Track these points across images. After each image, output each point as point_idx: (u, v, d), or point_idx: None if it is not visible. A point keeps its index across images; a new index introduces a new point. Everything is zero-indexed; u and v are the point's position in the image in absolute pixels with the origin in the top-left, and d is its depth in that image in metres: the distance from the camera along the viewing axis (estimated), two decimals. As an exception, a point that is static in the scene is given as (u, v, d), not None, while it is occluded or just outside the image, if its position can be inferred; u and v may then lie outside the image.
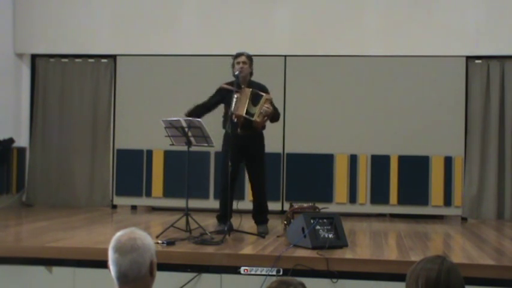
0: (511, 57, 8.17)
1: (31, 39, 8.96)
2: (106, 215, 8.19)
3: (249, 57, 6.19)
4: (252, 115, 5.93)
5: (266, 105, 5.95)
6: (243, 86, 6.06)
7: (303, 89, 8.42)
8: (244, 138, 5.96)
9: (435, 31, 8.21)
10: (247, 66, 6.13)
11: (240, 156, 6.01)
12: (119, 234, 2.36)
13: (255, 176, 6.30)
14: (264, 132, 6.30)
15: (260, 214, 6.36)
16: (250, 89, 5.99)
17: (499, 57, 8.18)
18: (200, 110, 6.23)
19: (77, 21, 8.84)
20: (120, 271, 2.30)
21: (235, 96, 5.89)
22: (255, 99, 5.97)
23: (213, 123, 6.29)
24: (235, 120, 5.87)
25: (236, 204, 6.01)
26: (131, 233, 2.36)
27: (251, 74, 6.23)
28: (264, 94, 5.99)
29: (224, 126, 6.10)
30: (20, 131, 9.02)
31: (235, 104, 5.86)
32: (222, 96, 6.18)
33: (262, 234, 6.03)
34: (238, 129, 5.91)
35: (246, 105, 5.92)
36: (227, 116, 6.03)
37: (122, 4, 8.83)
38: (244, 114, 5.90)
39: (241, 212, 6.39)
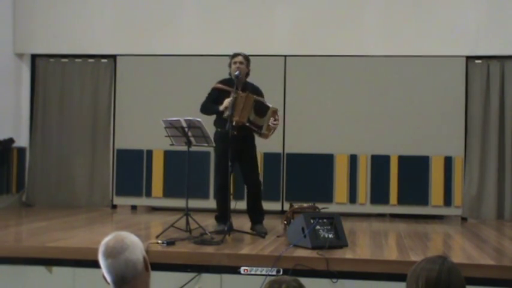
0: (511, 57, 8.16)
1: (31, 39, 8.96)
2: (106, 215, 8.19)
3: (246, 58, 6.21)
4: (260, 127, 5.96)
5: (273, 119, 5.99)
6: (239, 90, 6.04)
7: (303, 89, 8.41)
8: (239, 140, 5.95)
9: (435, 31, 8.20)
10: (244, 66, 6.16)
11: (235, 156, 6.00)
12: (105, 240, 2.35)
13: (250, 176, 6.29)
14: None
15: (256, 214, 6.35)
16: (254, 96, 5.99)
17: (499, 57, 8.18)
18: (212, 106, 6.19)
19: (77, 21, 8.83)
20: (117, 275, 2.29)
21: (233, 96, 5.88)
22: (259, 108, 5.97)
23: (213, 124, 6.30)
24: (234, 124, 5.85)
25: (235, 205, 6.01)
26: (116, 235, 2.36)
27: (247, 74, 6.25)
28: (270, 106, 6.02)
29: (220, 126, 6.09)
30: (20, 131, 9.02)
31: (235, 107, 5.83)
32: (218, 95, 6.17)
33: (262, 234, 6.02)
34: (235, 132, 5.90)
35: (249, 113, 5.92)
36: (221, 116, 6.01)
37: (121, 4, 8.82)
38: (246, 122, 5.91)
39: (240, 212, 6.41)
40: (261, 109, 5.99)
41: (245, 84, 6.20)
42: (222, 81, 6.26)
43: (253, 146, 6.33)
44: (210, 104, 6.17)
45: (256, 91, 6.21)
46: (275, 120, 6.04)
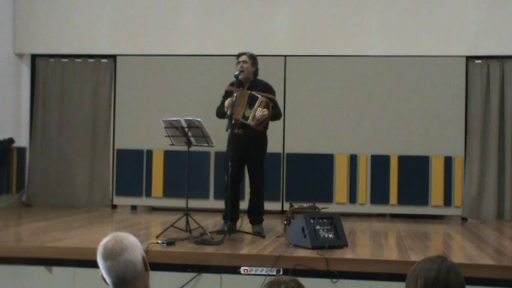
0: (511, 57, 8.16)
1: (31, 39, 8.96)
2: (106, 215, 8.19)
3: (251, 57, 6.18)
4: (247, 118, 5.93)
5: (261, 109, 5.91)
6: (246, 86, 6.07)
7: (303, 89, 8.41)
8: (245, 138, 5.96)
9: (435, 31, 8.21)
10: (248, 65, 6.13)
11: (241, 156, 6.00)
12: (103, 242, 2.34)
13: (252, 176, 6.32)
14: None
15: (255, 214, 6.35)
16: (249, 91, 5.99)
17: (499, 57, 8.18)
18: (220, 108, 6.21)
19: (77, 22, 8.83)
20: (117, 276, 2.28)
21: (234, 95, 5.90)
22: (252, 101, 5.97)
23: (214, 124, 6.30)
24: (233, 122, 5.86)
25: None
26: (115, 236, 2.35)
27: (255, 73, 6.23)
28: (259, 96, 5.98)
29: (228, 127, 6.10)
30: (20, 131, 9.02)
31: (234, 105, 5.86)
32: (227, 97, 6.17)
33: (262, 234, 6.03)
34: (236, 130, 5.90)
35: (243, 108, 5.91)
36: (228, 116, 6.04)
37: (121, 4, 8.82)
38: (240, 118, 5.90)
39: (241, 212, 6.41)
40: (253, 101, 5.97)
41: (253, 83, 6.18)
42: (231, 83, 6.26)
43: (261, 146, 6.29)
44: (220, 107, 6.19)
45: (265, 88, 6.18)
46: (263, 112, 5.95)
